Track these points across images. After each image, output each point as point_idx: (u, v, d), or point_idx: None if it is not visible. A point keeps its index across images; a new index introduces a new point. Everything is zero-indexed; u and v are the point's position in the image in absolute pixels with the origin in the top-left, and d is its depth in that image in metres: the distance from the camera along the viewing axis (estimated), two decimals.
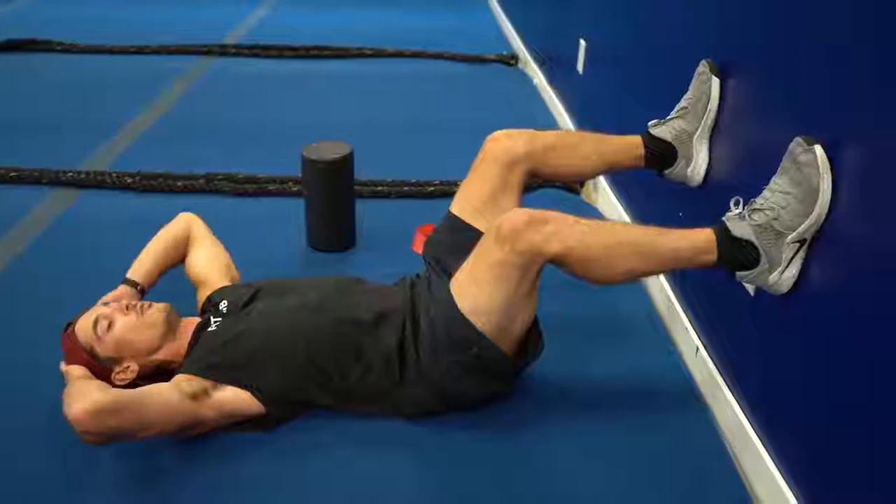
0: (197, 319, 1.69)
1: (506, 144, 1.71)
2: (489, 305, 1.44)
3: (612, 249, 1.41)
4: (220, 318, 1.64)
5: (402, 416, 1.58)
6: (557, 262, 1.41)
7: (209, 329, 1.62)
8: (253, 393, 1.53)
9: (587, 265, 1.41)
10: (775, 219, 1.33)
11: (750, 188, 1.43)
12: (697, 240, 1.42)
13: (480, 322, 1.45)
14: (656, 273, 1.87)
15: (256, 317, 1.61)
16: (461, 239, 1.65)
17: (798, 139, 1.31)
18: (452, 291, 1.49)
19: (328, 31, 4.80)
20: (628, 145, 1.77)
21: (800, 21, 1.39)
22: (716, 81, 1.68)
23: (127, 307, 1.60)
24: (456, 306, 1.46)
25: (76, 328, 1.60)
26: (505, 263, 1.40)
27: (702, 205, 1.79)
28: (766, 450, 1.46)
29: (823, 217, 1.28)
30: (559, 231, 1.38)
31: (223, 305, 1.67)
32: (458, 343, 1.48)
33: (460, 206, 1.74)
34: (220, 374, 1.53)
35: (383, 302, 1.62)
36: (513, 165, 1.70)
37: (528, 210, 1.42)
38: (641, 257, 1.43)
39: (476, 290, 1.45)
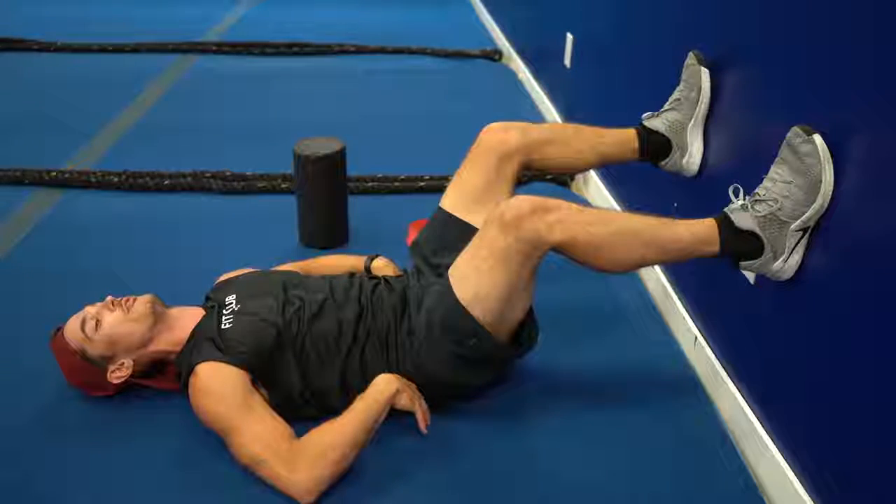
0: (194, 309, 1.66)
1: (500, 136, 1.72)
2: (490, 293, 1.43)
3: (614, 238, 1.41)
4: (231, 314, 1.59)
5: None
6: (560, 250, 1.41)
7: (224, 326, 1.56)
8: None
9: (590, 254, 1.41)
10: (779, 209, 1.33)
11: (745, 177, 1.43)
12: (700, 231, 1.42)
13: (479, 311, 1.44)
14: (659, 263, 1.88)
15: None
16: (451, 234, 1.63)
17: (795, 129, 1.31)
18: (451, 279, 1.48)
19: (310, 27, 4.76)
20: (623, 139, 1.78)
21: (792, 8, 1.40)
22: (705, 72, 1.68)
23: (112, 303, 1.59)
24: (454, 295, 1.45)
25: (65, 331, 1.59)
26: (508, 251, 1.40)
27: (696, 195, 1.79)
28: (769, 435, 1.47)
29: (826, 205, 1.28)
30: (563, 220, 1.38)
31: (230, 299, 1.62)
32: (455, 333, 1.47)
33: (452, 201, 1.74)
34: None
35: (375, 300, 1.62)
36: (507, 157, 1.71)
37: (532, 197, 1.41)
38: (644, 247, 1.43)
39: (477, 278, 1.44)
